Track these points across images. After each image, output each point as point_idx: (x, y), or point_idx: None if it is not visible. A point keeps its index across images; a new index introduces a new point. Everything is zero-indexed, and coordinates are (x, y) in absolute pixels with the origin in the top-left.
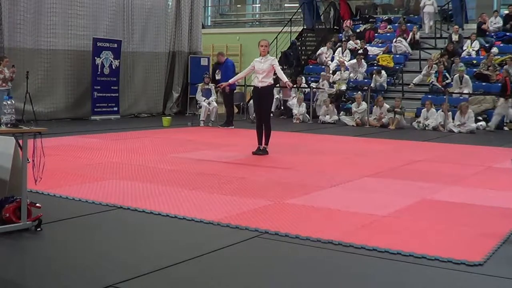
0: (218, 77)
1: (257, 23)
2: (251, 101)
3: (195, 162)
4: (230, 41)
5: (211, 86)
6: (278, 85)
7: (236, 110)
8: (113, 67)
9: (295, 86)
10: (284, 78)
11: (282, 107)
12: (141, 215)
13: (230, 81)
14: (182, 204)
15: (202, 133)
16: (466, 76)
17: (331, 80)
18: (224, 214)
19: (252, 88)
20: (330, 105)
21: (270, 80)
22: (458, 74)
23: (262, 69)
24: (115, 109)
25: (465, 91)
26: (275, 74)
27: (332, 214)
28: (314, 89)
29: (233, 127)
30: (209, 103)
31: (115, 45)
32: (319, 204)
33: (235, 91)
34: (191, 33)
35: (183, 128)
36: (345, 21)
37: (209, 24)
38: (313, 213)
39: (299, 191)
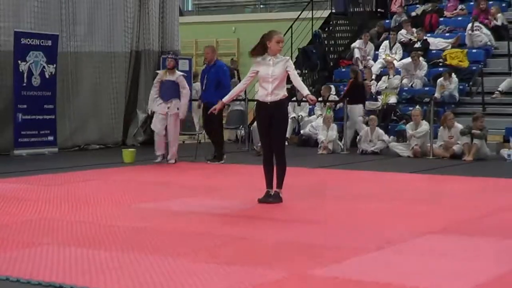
0: (197, 87)
1: (261, 6)
2: (255, 124)
3: (172, 216)
4: (222, 34)
5: (179, 75)
6: (294, 98)
7: (230, 137)
8: (47, 76)
9: (320, 100)
10: (304, 89)
11: (300, 131)
12: None
13: (225, 99)
14: (154, 279)
15: (183, 171)
16: None
17: (373, 90)
18: None
19: (255, 103)
20: (378, 129)
21: (283, 92)
22: None
23: (272, 75)
24: (51, 138)
25: None
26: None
27: None
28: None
29: (223, 162)
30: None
31: (49, 43)
32: (360, 277)
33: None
34: (163, 23)
35: (153, 165)
36: (394, 0)
37: (190, 9)
38: None
39: (329, 257)
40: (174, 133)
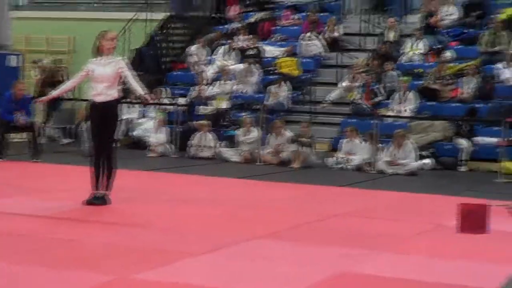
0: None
1: (95, 5)
2: (84, 124)
3: None
4: (56, 30)
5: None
6: (128, 99)
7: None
8: None
9: (153, 103)
10: (138, 88)
11: (132, 133)
12: None
13: (55, 93)
14: None
15: (7, 170)
16: (412, 93)
17: (206, 94)
18: None
19: (87, 104)
20: (209, 133)
21: (115, 93)
22: (401, 90)
23: (105, 76)
24: None
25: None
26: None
27: None
28: (181, 107)
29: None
30: None
31: None
32: (186, 279)
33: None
34: None
35: None
36: (231, 7)
37: (25, 3)
38: None
39: (156, 260)
40: None
